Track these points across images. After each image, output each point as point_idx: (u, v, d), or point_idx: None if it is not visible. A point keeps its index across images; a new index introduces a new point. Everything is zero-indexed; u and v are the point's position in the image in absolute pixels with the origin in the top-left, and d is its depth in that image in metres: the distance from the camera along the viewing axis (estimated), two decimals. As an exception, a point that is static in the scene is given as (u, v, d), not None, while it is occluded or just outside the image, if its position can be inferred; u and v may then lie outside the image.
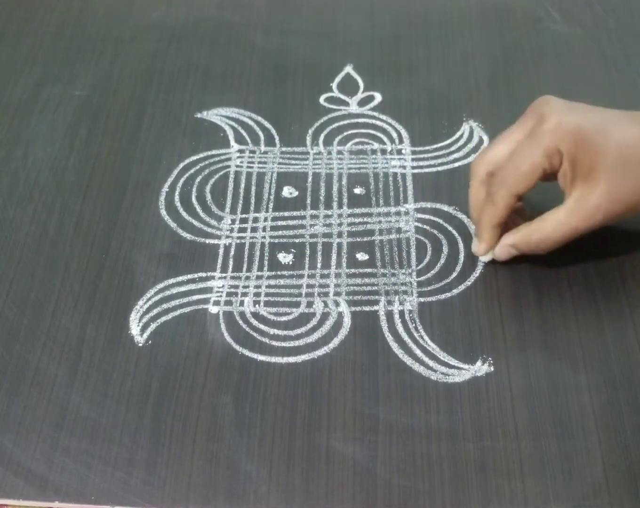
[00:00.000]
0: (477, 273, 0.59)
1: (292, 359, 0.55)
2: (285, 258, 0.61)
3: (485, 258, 0.59)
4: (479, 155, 0.58)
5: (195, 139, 0.69)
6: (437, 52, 0.75)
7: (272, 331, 0.57)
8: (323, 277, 0.60)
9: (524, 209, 0.59)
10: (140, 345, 0.56)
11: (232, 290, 0.59)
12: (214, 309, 0.58)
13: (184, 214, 0.64)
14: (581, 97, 0.65)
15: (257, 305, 0.58)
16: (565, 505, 0.48)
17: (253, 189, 0.66)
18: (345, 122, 0.70)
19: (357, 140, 0.69)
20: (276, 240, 0.62)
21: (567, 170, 0.54)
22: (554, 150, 0.54)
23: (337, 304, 0.58)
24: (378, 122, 0.70)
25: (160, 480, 0.50)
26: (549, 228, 0.55)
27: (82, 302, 0.58)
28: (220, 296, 0.58)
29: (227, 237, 0.62)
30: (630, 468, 0.49)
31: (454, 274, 0.59)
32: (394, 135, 0.69)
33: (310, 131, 0.70)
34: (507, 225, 0.58)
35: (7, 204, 0.64)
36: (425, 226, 0.62)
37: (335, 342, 0.56)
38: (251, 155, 0.68)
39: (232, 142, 0.69)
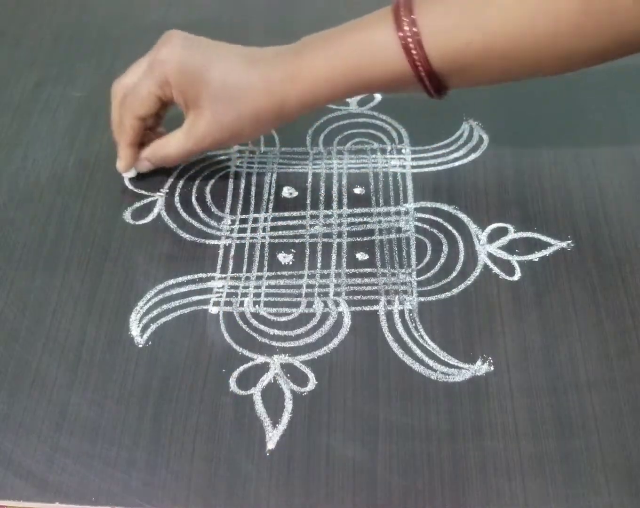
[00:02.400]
0: (477, 273, 0.59)
1: (292, 359, 0.55)
2: (285, 258, 0.61)
3: (128, 174, 0.65)
4: (117, 79, 0.64)
5: (195, 139, 0.69)
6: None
7: (272, 331, 0.57)
8: (323, 277, 0.60)
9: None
10: (141, 346, 0.56)
11: (232, 290, 0.59)
12: (214, 310, 0.58)
13: (183, 214, 0.64)
14: (581, 96, 0.65)
15: (257, 306, 0.58)
16: (565, 505, 0.48)
17: (253, 189, 0.66)
18: (345, 121, 0.70)
19: (357, 140, 0.69)
20: (276, 241, 0.62)
21: (179, 100, 0.61)
22: (164, 82, 0.60)
23: (337, 304, 0.58)
24: (378, 122, 0.70)
25: (160, 480, 0.50)
26: (170, 147, 0.63)
27: (82, 303, 0.58)
28: (220, 297, 0.58)
29: (227, 237, 0.62)
30: (630, 468, 0.49)
31: (454, 274, 0.59)
32: (394, 134, 0.69)
33: (310, 131, 0.70)
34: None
35: (7, 204, 0.65)
36: (425, 225, 0.62)
37: (335, 342, 0.56)
38: (251, 155, 0.68)
39: (232, 142, 0.69)
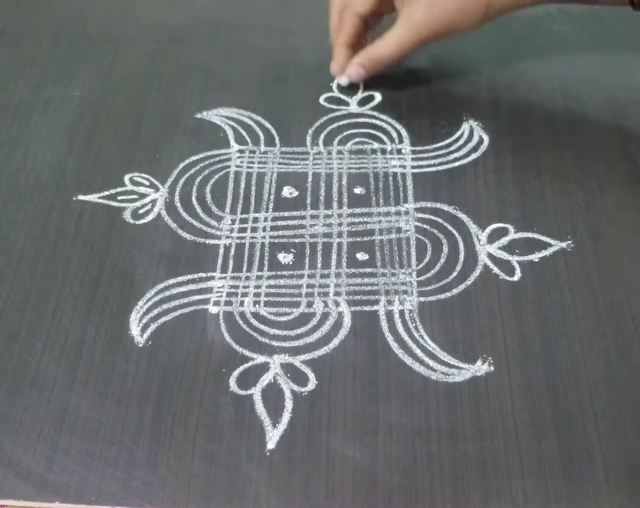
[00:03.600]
0: (477, 273, 0.59)
1: (292, 359, 0.55)
2: (285, 258, 0.61)
3: (342, 81, 0.70)
4: None
5: (195, 139, 0.69)
6: (437, 52, 0.75)
7: (272, 331, 0.57)
8: (323, 277, 0.60)
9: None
10: (141, 345, 0.56)
11: (232, 290, 0.59)
12: (214, 309, 0.58)
13: (184, 214, 0.64)
14: (581, 96, 0.65)
15: (257, 305, 0.58)
16: (565, 505, 0.48)
17: (253, 189, 0.66)
18: (345, 122, 0.70)
19: (357, 140, 0.69)
20: (276, 240, 0.62)
21: None
22: None
23: (337, 304, 0.58)
24: (378, 122, 0.70)
25: (160, 480, 0.50)
26: (387, 45, 0.67)
27: (82, 303, 0.58)
28: (221, 296, 0.58)
29: (227, 237, 0.62)
30: (630, 468, 0.49)
31: (454, 274, 0.59)
32: (394, 134, 0.69)
33: (310, 131, 0.70)
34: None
35: (7, 204, 0.64)
36: (425, 226, 0.62)
37: (335, 342, 0.56)
38: (251, 155, 0.68)
39: (232, 142, 0.69)
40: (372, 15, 0.69)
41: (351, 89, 0.73)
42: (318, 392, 0.53)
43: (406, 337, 0.56)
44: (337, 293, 0.59)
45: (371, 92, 0.73)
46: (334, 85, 0.72)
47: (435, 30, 0.66)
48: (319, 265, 0.60)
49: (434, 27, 0.65)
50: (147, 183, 0.66)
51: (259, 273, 0.60)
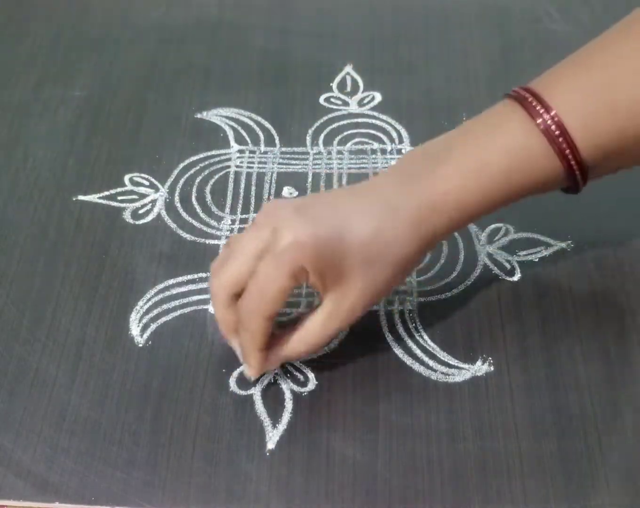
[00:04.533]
0: (477, 273, 0.59)
1: (292, 359, 0.55)
2: (285, 258, 0.61)
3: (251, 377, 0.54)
4: (216, 277, 0.52)
5: (195, 139, 0.69)
6: (437, 52, 0.75)
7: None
8: (323, 277, 0.59)
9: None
10: (141, 345, 0.56)
11: (232, 290, 0.59)
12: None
13: (183, 214, 0.64)
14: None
15: (257, 306, 0.58)
16: (565, 505, 0.48)
17: (253, 189, 0.66)
18: (345, 122, 0.70)
19: (357, 140, 0.69)
20: (276, 240, 0.62)
21: (316, 283, 0.50)
22: (298, 269, 0.49)
23: (337, 304, 0.58)
24: (378, 122, 0.70)
25: (160, 480, 0.50)
26: (311, 337, 0.52)
27: (82, 303, 0.58)
28: (220, 296, 0.58)
29: (227, 237, 0.62)
30: (630, 468, 0.49)
31: (454, 274, 0.59)
32: (394, 135, 0.69)
33: (310, 131, 0.70)
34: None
35: (7, 204, 0.64)
36: (425, 226, 0.62)
37: (335, 342, 0.56)
38: (251, 155, 0.68)
39: (232, 142, 0.69)
40: None
41: (352, 89, 0.73)
42: (318, 392, 0.53)
43: (406, 337, 0.56)
44: (337, 294, 0.58)
45: (371, 92, 0.73)
46: (334, 86, 0.72)
47: (371, 304, 0.53)
48: (319, 265, 0.60)
49: (372, 302, 0.53)
50: (147, 183, 0.66)
51: (259, 273, 0.60)
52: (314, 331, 0.52)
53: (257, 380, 0.53)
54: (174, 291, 0.59)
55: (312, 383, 0.54)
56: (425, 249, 0.52)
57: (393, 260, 0.51)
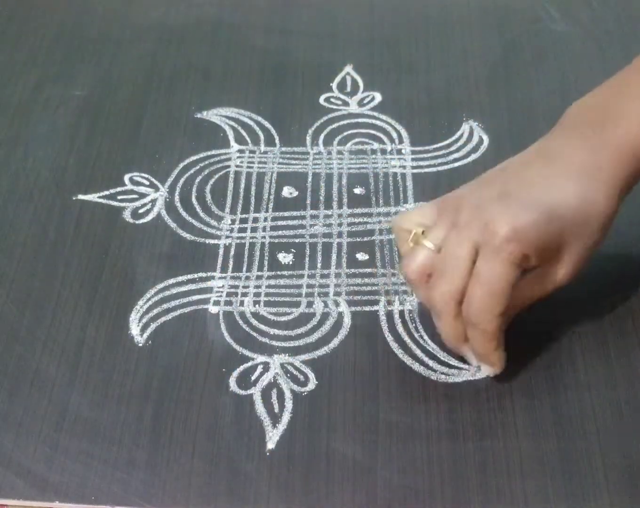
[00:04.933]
0: (477, 273, 0.59)
1: (292, 359, 0.55)
2: (285, 258, 0.61)
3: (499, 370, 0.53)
4: (437, 290, 0.50)
5: (195, 139, 0.69)
6: (437, 52, 0.75)
7: (272, 331, 0.57)
8: (323, 277, 0.60)
9: None
10: (141, 345, 0.56)
11: (232, 290, 0.59)
12: (214, 309, 0.58)
13: (184, 214, 0.64)
14: (581, 97, 0.65)
15: (257, 305, 0.58)
16: (565, 505, 0.48)
17: (253, 189, 0.66)
18: (345, 122, 0.70)
19: (357, 140, 0.69)
20: (276, 240, 0.62)
21: (537, 263, 0.50)
22: (521, 257, 0.49)
23: (337, 304, 0.58)
24: (378, 122, 0.70)
25: (160, 480, 0.50)
26: (527, 300, 0.52)
27: (82, 302, 0.58)
28: (220, 296, 0.58)
29: (227, 237, 0.62)
30: (630, 468, 0.49)
31: (454, 274, 0.59)
32: (394, 135, 0.69)
33: (310, 131, 0.70)
34: None
35: (7, 204, 0.64)
36: (425, 226, 0.62)
37: (335, 342, 0.56)
38: (251, 155, 0.68)
39: (232, 142, 0.69)
40: None
41: (352, 89, 0.73)
42: (318, 392, 0.53)
43: (406, 337, 0.56)
44: (337, 294, 0.59)
45: (371, 92, 0.73)
46: (334, 86, 0.72)
47: (574, 276, 0.52)
48: (319, 265, 0.60)
49: (576, 274, 0.52)
50: (147, 183, 0.66)
51: (259, 273, 0.60)
52: (527, 295, 0.52)
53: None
54: (174, 291, 0.59)
55: (312, 383, 0.54)
56: (624, 198, 0.51)
57: (601, 221, 0.50)
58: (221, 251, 0.61)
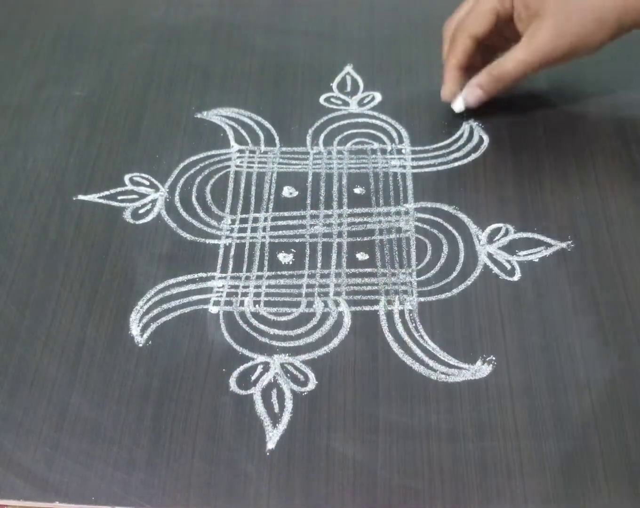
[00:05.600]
0: (477, 273, 0.59)
1: (292, 359, 0.55)
2: (285, 258, 0.61)
3: (456, 107, 0.66)
4: (448, 19, 0.67)
5: (195, 139, 0.69)
6: (437, 52, 0.74)
7: (272, 331, 0.57)
8: (323, 277, 0.60)
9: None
10: (141, 345, 0.56)
11: (232, 290, 0.59)
12: (214, 309, 0.58)
13: (184, 214, 0.64)
14: (581, 97, 0.65)
15: (257, 305, 0.58)
16: (565, 505, 0.48)
17: (253, 189, 0.66)
18: (345, 122, 0.70)
19: (357, 140, 0.69)
20: (276, 240, 0.62)
21: (520, 11, 0.62)
22: None
23: (337, 304, 0.58)
24: (378, 122, 0.70)
25: (160, 480, 0.50)
26: (507, 63, 0.63)
27: (82, 303, 0.58)
28: (221, 296, 0.58)
29: (227, 237, 0.62)
30: (630, 468, 0.49)
31: (454, 274, 0.59)
32: (394, 135, 0.69)
33: (310, 131, 0.70)
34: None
35: (7, 204, 0.64)
36: (425, 226, 0.62)
37: (335, 342, 0.56)
38: (251, 155, 0.68)
39: (232, 142, 0.69)
40: (487, 39, 0.65)
41: (352, 89, 0.73)
42: (318, 392, 0.53)
43: (406, 337, 0.56)
44: (337, 293, 0.59)
45: (371, 92, 0.73)
46: (334, 86, 0.72)
47: (560, 53, 0.62)
48: (319, 265, 0.60)
49: (560, 50, 0.61)
50: (147, 183, 0.66)
51: (259, 273, 0.60)
52: (510, 57, 0.63)
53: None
54: (174, 291, 0.59)
55: (312, 383, 0.54)
56: (619, 14, 0.60)
57: (585, 8, 0.60)
58: (221, 251, 0.61)
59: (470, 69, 0.67)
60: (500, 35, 0.65)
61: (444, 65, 0.66)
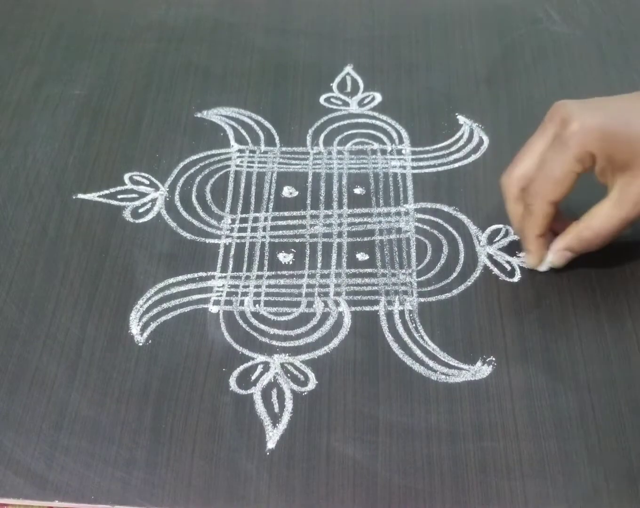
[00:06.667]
0: (477, 273, 0.59)
1: (292, 359, 0.55)
2: (285, 258, 0.61)
3: (543, 268, 0.59)
4: (507, 174, 0.58)
5: (195, 138, 0.69)
6: (437, 52, 0.75)
7: (272, 331, 0.57)
8: (323, 277, 0.60)
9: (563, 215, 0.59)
10: (140, 344, 0.56)
11: (232, 289, 0.59)
12: (214, 309, 0.58)
13: (184, 213, 0.64)
14: (581, 97, 0.65)
15: (257, 305, 0.58)
16: (565, 505, 0.48)
17: (253, 188, 0.66)
18: (345, 122, 0.70)
19: (357, 140, 0.69)
20: (276, 240, 0.62)
21: (605, 167, 0.54)
22: (584, 154, 0.54)
23: (337, 304, 0.58)
24: (378, 122, 0.70)
25: (160, 480, 0.50)
26: (597, 223, 0.56)
27: (82, 302, 0.58)
28: (221, 296, 0.58)
29: (227, 236, 0.62)
30: (630, 469, 0.50)
31: (454, 274, 0.59)
32: (394, 135, 0.69)
33: (310, 131, 0.70)
34: (558, 232, 0.58)
35: (6, 203, 0.64)
36: (425, 226, 0.62)
37: (335, 342, 0.56)
38: (251, 155, 0.68)
39: (232, 142, 0.69)
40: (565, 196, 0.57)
41: (352, 89, 0.73)
42: (318, 392, 0.53)
43: (406, 338, 0.56)
44: (337, 294, 0.59)
45: (371, 93, 0.73)
46: (334, 86, 0.73)
47: None
48: (319, 265, 0.60)
49: None
50: (147, 182, 0.66)
51: (259, 273, 0.60)
52: (600, 216, 0.56)
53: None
54: (174, 290, 0.59)
55: (312, 383, 0.54)
56: None
57: None
58: (221, 251, 0.61)
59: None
60: None
61: (522, 233, 0.58)
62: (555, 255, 0.58)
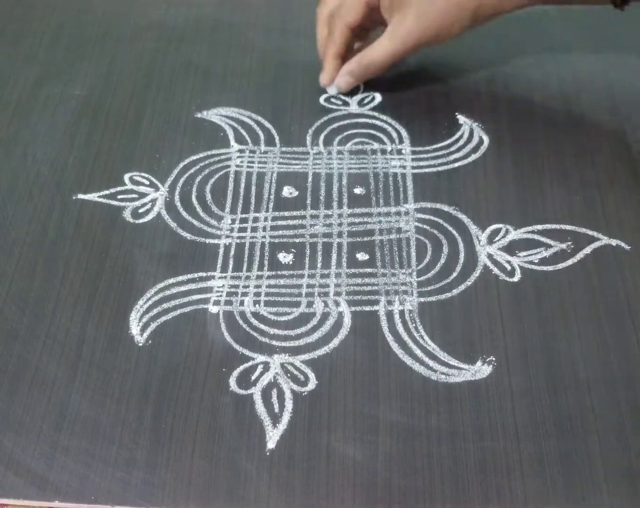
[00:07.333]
0: (477, 273, 0.59)
1: (292, 359, 0.55)
2: (285, 258, 0.61)
3: (331, 90, 0.71)
4: (321, 3, 0.71)
5: (195, 138, 0.69)
6: (437, 51, 0.75)
7: (272, 331, 0.57)
8: (323, 277, 0.60)
9: None
10: (140, 344, 0.56)
11: (232, 289, 0.59)
12: (214, 309, 0.58)
13: (184, 213, 0.64)
14: (581, 97, 0.65)
15: (257, 305, 0.58)
16: (565, 505, 0.48)
17: (253, 188, 0.66)
18: (345, 122, 0.70)
19: (357, 140, 0.69)
20: (276, 240, 0.62)
21: (385, 1, 0.66)
22: None
23: (337, 304, 0.58)
24: (378, 122, 0.70)
25: (160, 480, 0.50)
26: (373, 53, 0.68)
27: (82, 302, 0.58)
28: (221, 296, 0.58)
29: (227, 236, 0.62)
30: (630, 468, 0.50)
31: (454, 274, 0.59)
32: (394, 135, 0.69)
33: (310, 131, 0.70)
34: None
35: (6, 202, 0.64)
36: (425, 226, 0.62)
37: (335, 342, 0.56)
38: (251, 155, 0.68)
39: (232, 142, 0.69)
40: (360, 26, 0.70)
41: (352, 90, 0.73)
42: (318, 392, 0.53)
43: (406, 337, 0.56)
44: (337, 293, 0.59)
45: (371, 93, 0.73)
46: (330, 91, 0.72)
47: (422, 40, 0.66)
48: (319, 265, 0.60)
49: (422, 37, 0.66)
50: (147, 182, 0.66)
51: (259, 273, 0.60)
52: (377, 46, 0.68)
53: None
54: (174, 290, 0.59)
55: (312, 383, 0.54)
56: (474, 10, 0.65)
57: (445, 1, 0.64)
58: (221, 251, 0.61)
59: (346, 56, 0.71)
60: (372, 20, 0.69)
61: (322, 52, 0.70)
62: (340, 78, 0.70)
